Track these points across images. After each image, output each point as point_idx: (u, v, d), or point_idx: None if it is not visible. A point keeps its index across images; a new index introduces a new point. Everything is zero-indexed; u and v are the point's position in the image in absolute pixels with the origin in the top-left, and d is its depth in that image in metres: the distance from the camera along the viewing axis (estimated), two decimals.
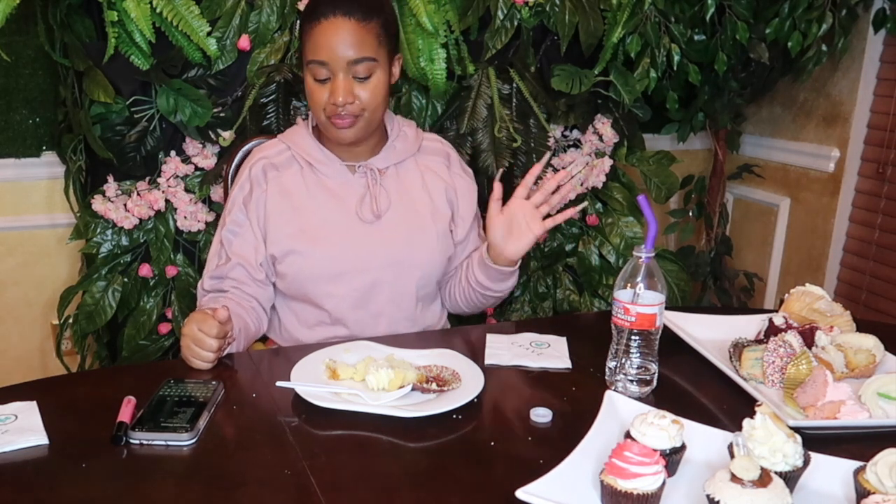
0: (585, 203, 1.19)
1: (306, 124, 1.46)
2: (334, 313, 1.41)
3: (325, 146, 1.42)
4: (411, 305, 1.44)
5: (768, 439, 0.84)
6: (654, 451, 0.82)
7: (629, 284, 1.08)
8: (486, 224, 1.40)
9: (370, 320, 1.41)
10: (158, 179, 1.91)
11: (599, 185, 2.18)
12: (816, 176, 2.56)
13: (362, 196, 1.40)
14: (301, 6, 1.83)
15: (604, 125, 2.16)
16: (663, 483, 0.81)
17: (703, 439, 0.94)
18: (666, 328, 1.19)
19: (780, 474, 0.81)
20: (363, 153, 1.43)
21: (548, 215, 1.37)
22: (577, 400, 1.11)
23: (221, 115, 1.88)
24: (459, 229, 1.49)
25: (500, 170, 1.65)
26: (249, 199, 1.40)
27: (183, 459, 0.94)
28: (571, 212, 1.37)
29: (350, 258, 1.38)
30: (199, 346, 1.15)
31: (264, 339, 1.56)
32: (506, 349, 1.26)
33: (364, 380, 1.11)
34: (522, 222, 1.35)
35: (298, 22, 1.39)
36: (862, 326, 1.26)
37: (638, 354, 1.10)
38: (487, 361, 1.21)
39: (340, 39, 1.28)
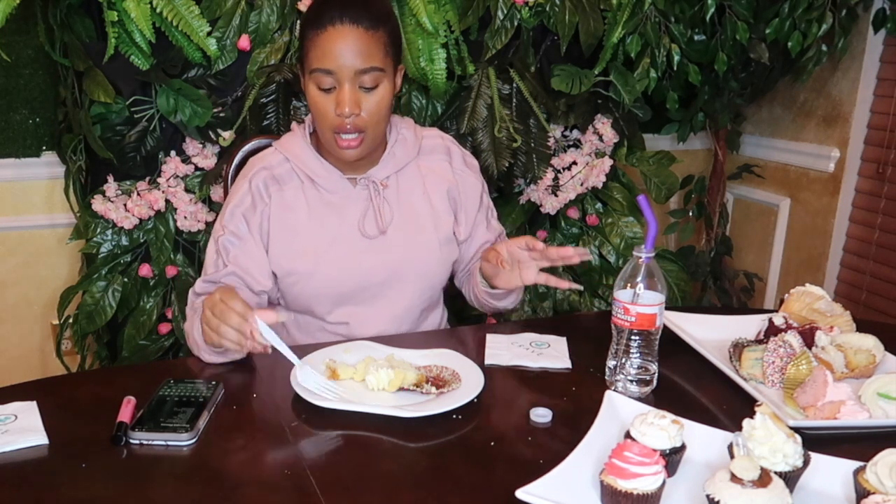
0: (580, 287, 1.16)
1: (303, 130, 1.40)
2: (337, 327, 1.40)
3: (324, 157, 1.38)
4: (414, 316, 1.44)
5: (768, 439, 0.84)
6: (654, 451, 0.82)
7: (629, 284, 1.08)
8: (486, 252, 1.36)
9: (373, 331, 1.39)
10: (158, 179, 1.91)
11: (599, 185, 2.18)
12: (816, 176, 2.56)
13: (365, 211, 1.37)
14: (301, 6, 1.83)
15: (604, 125, 2.16)
16: (663, 483, 0.81)
17: (703, 439, 0.94)
18: (666, 328, 1.19)
19: (780, 474, 0.81)
20: (364, 164, 1.38)
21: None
22: (577, 400, 1.10)
23: (221, 115, 1.88)
24: (463, 227, 1.47)
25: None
26: (253, 213, 1.35)
27: (183, 459, 0.94)
28: (566, 284, 1.31)
29: (353, 277, 1.37)
30: (224, 315, 1.09)
31: None
32: (506, 349, 1.26)
33: (364, 380, 1.11)
34: (516, 267, 1.31)
35: (299, 27, 1.33)
36: (862, 326, 1.26)
37: (638, 354, 1.10)
38: (487, 361, 1.21)
39: (347, 48, 1.22)
